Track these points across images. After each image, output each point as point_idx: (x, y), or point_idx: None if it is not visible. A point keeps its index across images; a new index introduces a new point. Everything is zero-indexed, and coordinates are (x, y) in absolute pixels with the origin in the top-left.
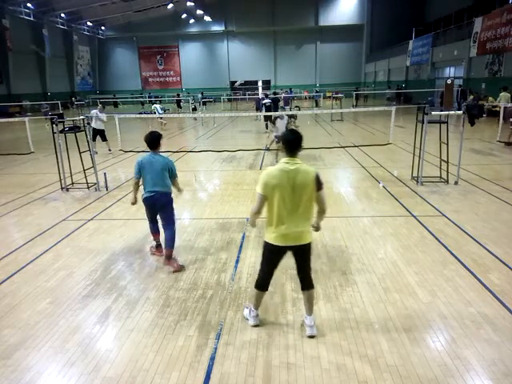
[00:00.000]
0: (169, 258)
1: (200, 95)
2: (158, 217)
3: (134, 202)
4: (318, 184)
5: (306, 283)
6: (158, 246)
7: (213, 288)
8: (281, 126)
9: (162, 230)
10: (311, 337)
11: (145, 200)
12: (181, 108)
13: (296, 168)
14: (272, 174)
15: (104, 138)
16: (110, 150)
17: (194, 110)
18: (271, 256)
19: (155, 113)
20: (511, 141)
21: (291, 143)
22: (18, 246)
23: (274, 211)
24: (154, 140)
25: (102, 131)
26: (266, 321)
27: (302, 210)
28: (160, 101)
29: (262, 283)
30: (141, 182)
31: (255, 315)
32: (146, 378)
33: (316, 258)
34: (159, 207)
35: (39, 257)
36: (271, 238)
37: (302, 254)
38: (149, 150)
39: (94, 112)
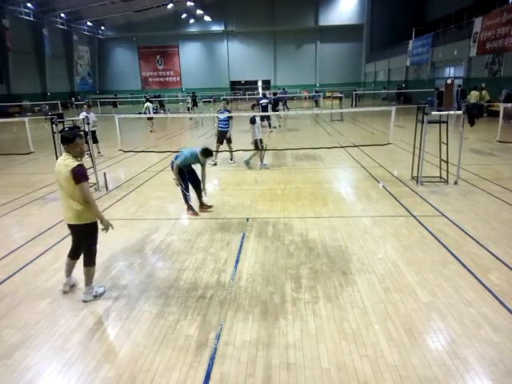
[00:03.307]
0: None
1: (191, 95)
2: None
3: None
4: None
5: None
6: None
7: (213, 288)
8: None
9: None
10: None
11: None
12: (197, 107)
13: None
14: None
15: (95, 140)
16: (99, 153)
17: (189, 110)
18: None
19: (146, 112)
20: None
21: None
22: (18, 245)
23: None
24: None
25: (93, 132)
26: (266, 321)
27: None
28: (162, 100)
29: (95, 257)
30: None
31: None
32: (146, 378)
33: (316, 257)
34: None
35: (39, 257)
36: (93, 217)
37: (73, 234)
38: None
39: (82, 115)
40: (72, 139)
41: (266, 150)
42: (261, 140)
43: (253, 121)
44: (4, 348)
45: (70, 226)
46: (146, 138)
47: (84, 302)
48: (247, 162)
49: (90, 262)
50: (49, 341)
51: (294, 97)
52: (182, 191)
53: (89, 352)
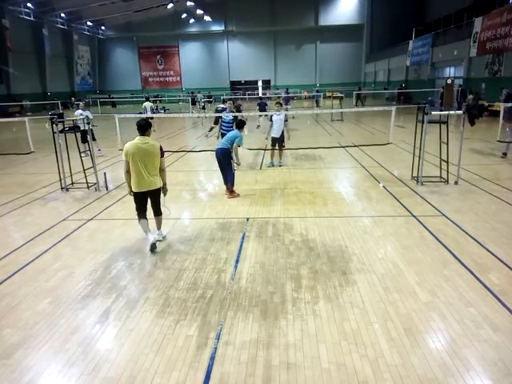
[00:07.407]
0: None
1: (201, 95)
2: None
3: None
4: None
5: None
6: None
7: (213, 288)
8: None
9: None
10: (157, 242)
11: None
12: (204, 109)
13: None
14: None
15: (93, 138)
16: (99, 151)
17: (203, 108)
18: (136, 199)
19: (142, 112)
20: None
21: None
22: (17, 245)
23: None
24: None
25: (90, 131)
26: (266, 321)
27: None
28: (160, 100)
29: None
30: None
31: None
32: (146, 378)
33: (316, 257)
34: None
35: (39, 257)
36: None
37: (155, 195)
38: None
39: (78, 113)
40: (148, 127)
41: (273, 149)
42: (273, 138)
43: (269, 119)
44: (4, 348)
45: (152, 190)
46: None
47: (158, 241)
48: (276, 162)
49: (161, 213)
50: (49, 341)
51: (293, 97)
52: (233, 173)
53: (89, 352)
